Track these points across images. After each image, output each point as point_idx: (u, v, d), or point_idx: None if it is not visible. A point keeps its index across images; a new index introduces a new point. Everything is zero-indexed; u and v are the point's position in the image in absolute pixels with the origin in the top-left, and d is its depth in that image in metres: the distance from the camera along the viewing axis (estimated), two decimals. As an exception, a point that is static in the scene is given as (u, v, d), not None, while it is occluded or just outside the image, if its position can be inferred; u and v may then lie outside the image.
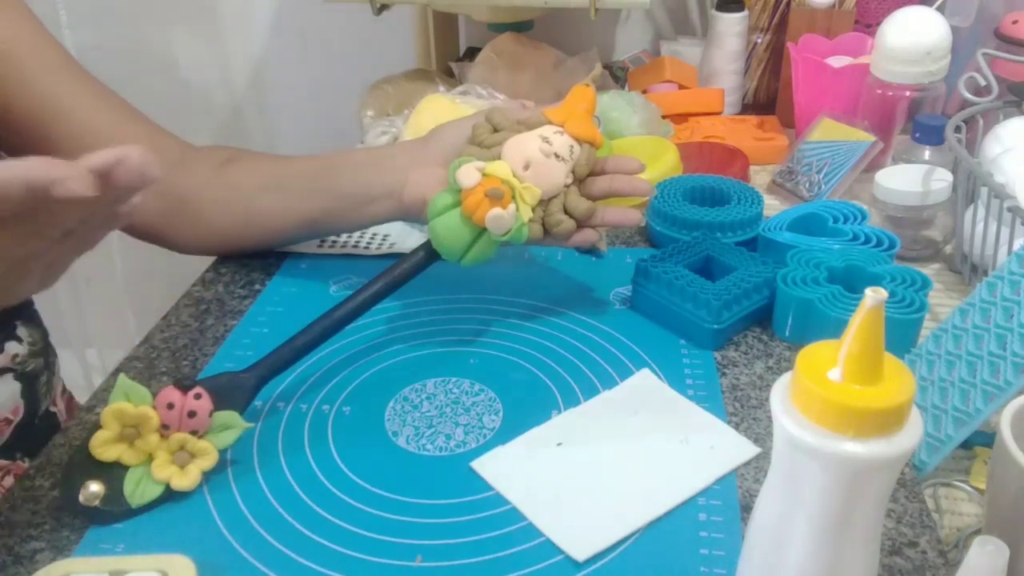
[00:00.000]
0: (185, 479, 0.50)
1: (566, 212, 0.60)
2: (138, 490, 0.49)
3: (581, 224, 0.61)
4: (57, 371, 0.74)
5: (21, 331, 0.69)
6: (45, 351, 0.71)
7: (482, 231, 0.57)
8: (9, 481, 0.65)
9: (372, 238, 0.78)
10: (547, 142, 0.59)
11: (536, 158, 0.58)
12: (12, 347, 0.67)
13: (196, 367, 0.62)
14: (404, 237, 0.77)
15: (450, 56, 1.24)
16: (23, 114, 0.63)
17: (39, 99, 0.63)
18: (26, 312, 0.71)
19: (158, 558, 0.44)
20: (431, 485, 0.51)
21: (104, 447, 0.49)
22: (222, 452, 0.51)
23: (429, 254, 0.60)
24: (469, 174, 0.56)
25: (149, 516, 0.49)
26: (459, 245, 0.58)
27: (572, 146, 0.60)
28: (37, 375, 0.68)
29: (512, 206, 0.57)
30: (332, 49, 1.41)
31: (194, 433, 0.50)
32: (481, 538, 0.47)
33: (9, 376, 0.67)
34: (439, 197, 0.58)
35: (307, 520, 0.49)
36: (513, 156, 0.58)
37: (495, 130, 0.61)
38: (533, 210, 0.58)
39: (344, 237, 0.77)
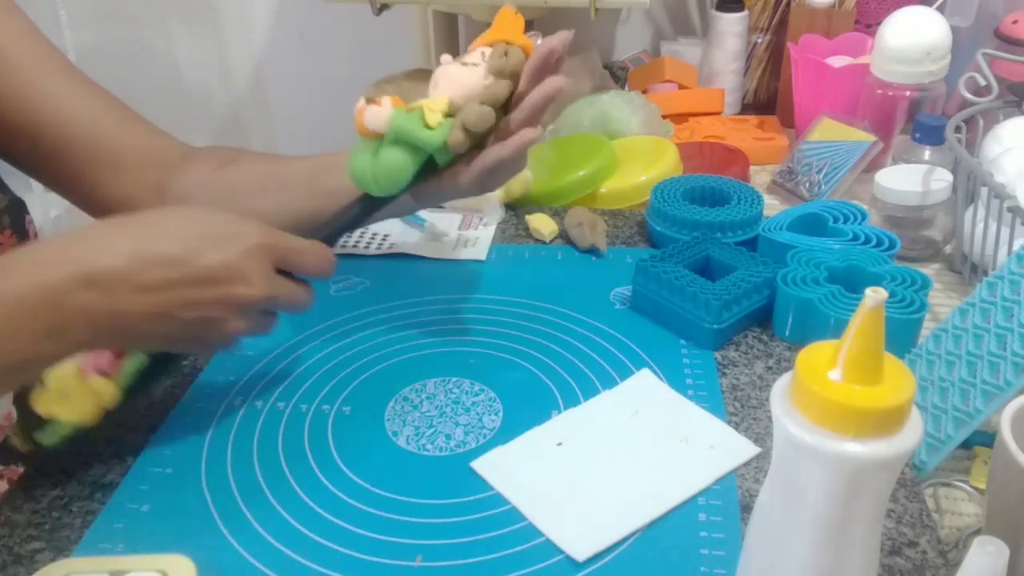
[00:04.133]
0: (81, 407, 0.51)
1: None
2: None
3: (511, 117, 0.55)
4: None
5: None
6: None
7: (380, 143, 0.54)
8: (3, 486, 0.65)
9: (372, 238, 0.78)
10: (461, 62, 0.56)
11: (442, 73, 0.55)
12: None
13: (196, 366, 0.62)
14: (404, 237, 0.77)
15: (450, 56, 1.24)
16: (21, 118, 0.63)
17: (38, 102, 0.63)
18: None
19: (158, 558, 0.44)
20: (431, 485, 0.51)
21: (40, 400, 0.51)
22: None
23: (362, 200, 0.58)
24: (359, 107, 0.55)
25: (149, 516, 0.49)
26: (363, 165, 0.55)
27: (483, 51, 0.56)
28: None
29: (387, 100, 0.54)
30: (332, 49, 1.41)
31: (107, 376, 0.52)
32: (481, 538, 0.47)
33: None
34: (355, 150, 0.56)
35: (307, 520, 0.49)
36: (426, 86, 0.56)
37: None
38: (447, 116, 0.54)
39: (344, 237, 0.77)
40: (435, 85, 0.55)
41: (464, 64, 0.55)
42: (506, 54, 0.55)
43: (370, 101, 0.54)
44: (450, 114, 0.54)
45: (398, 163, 0.54)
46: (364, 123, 0.54)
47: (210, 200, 0.68)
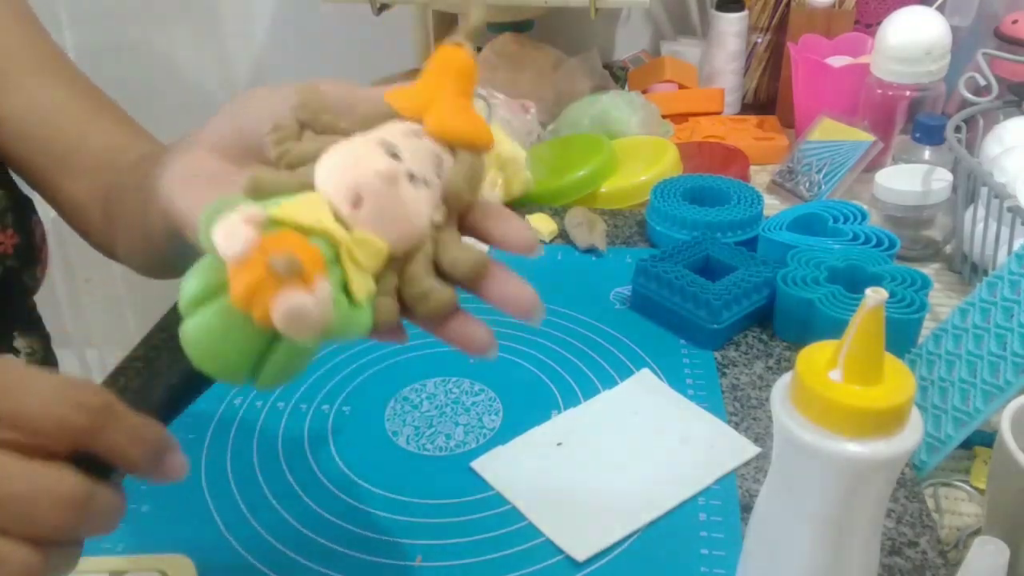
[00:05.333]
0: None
1: (441, 273, 0.34)
2: None
3: (469, 286, 0.35)
4: None
5: (19, 342, 0.68)
6: (45, 359, 0.71)
7: (276, 334, 0.29)
8: None
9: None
10: (394, 155, 0.31)
11: (373, 186, 0.31)
12: None
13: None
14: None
15: (450, 56, 1.24)
16: (15, 119, 0.62)
17: (34, 101, 0.62)
18: (24, 320, 0.70)
19: (158, 558, 0.44)
20: (431, 485, 0.51)
21: None
22: (221, 452, 0.51)
23: (189, 378, 0.34)
24: (233, 233, 0.28)
25: (149, 516, 0.49)
26: (238, 361, 0.30)
27: (439, 155, 0.33)
28: None
29: (325, 283, 0.28)
30: (332, 49, 1.41)
31: None
32: (481, 538, 0.47)
33: None
34: (189, 279, 0.31)
35: (307, 520, 0.49)
36: (334, 182, 0.31)
37: (312, 130, 0.34)
38: (377, 280, 0.32)
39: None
40: (344, 183, 0.31)
41: (395, 160, 0.31)
42: (469, 176, 0.33)
43: (278, 271, 0.27)
44: (379, 273, 0.32)
45: (301, 362, 0.31)
46: (274, 320, 0.28)
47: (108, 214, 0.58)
